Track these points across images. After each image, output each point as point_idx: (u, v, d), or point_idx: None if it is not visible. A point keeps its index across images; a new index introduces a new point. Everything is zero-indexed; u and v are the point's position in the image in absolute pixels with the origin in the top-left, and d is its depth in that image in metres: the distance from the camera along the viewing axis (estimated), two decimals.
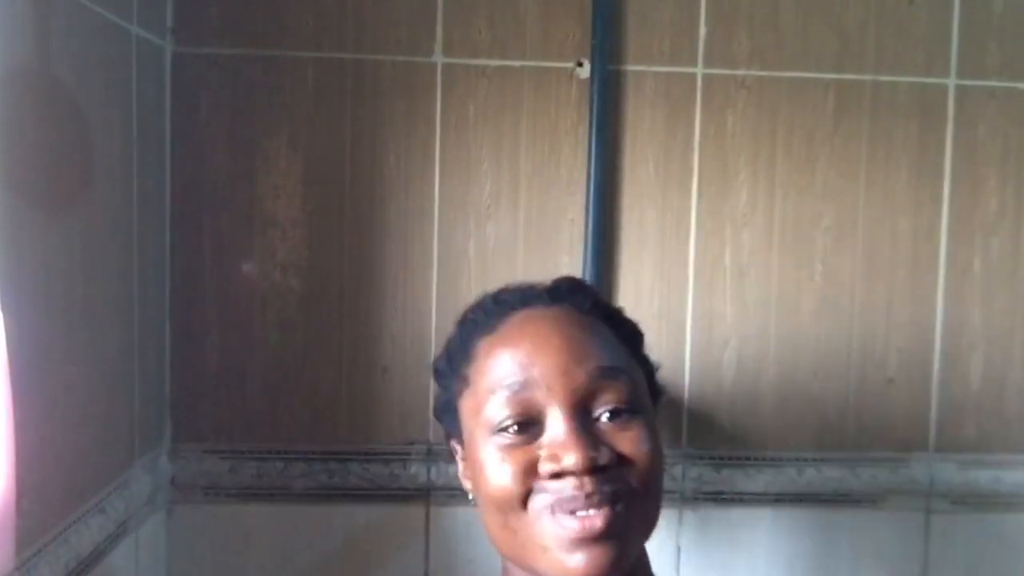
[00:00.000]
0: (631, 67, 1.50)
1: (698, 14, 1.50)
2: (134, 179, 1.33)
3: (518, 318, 0.68)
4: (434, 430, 1.49)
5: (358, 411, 1.49)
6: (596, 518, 0.60)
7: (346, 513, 1.49)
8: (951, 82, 1.53)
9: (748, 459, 1.53)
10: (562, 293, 0.71)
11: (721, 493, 1.54)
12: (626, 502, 0.61)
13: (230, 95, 1.45)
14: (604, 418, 0.63)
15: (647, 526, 0.65)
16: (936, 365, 1.55)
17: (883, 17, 1.52)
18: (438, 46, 1.47)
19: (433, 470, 1.50)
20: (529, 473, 0.62)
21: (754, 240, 1.52)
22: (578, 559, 0.60)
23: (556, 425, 0.62)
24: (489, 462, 0.64)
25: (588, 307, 0.70)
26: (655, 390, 0.72)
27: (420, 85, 1.47)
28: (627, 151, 1.51)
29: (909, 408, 1.55)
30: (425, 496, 1.51)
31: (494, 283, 0.73)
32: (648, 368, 0.73)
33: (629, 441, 0.63)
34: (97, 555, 1.22)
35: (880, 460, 1.56)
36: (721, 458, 1.53)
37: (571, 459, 0.60)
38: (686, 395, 1.52)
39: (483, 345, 0.68)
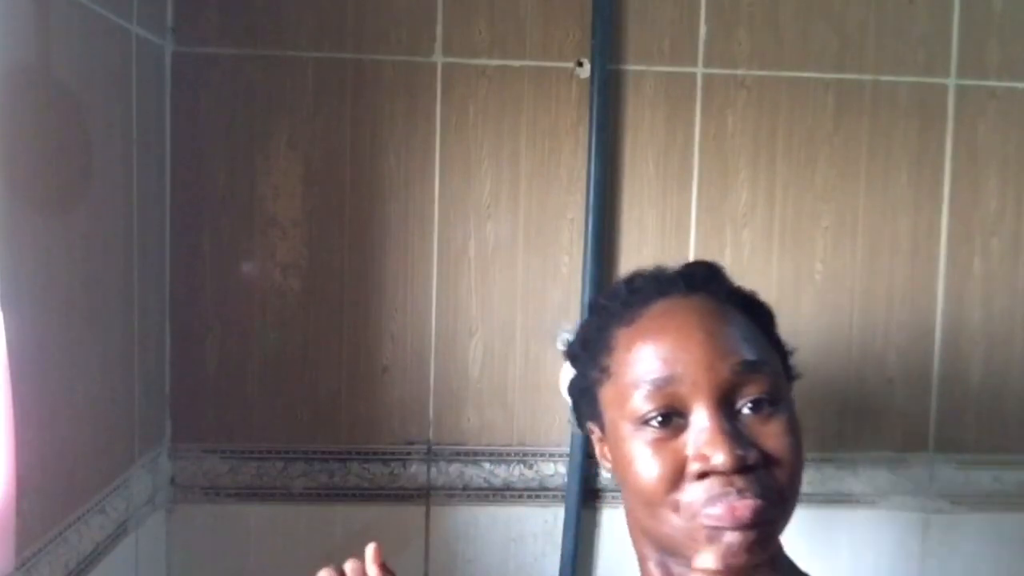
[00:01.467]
0: (631, 67, 1.50)
1: (698, 14, 1.50)
2: (134, 179, 1.33)
3: (657, 309, 0.69)
4: (434, 430, 1.50)
5: (358, 411, 1.49)
6: (744, 508, 0.61)
7: (346, 513, 1.49)
8: (951, 82, 1.53)
9: None
10: (698, 281, 0.71)
11: None
12: (772, 499, 0.63)
13: (230, 95, 1.45)
14: (746, 410, 0.64)
15: (787, 519, 0.66)
16: (936, 365, 1.55)
17: (883, 17, 1.52)
18: (438, 46, 1.47)
19: (433, 470, 1.50)
20: (677, 472, 0.63)
21: (754, 240, 1.52)
22: (725, 546, 0.61)
23: (702, 421, 0.63)
24: (638, 457, 0.65)
25: (724, 295, 0.70)
26: (790, 373, 0.73)
27: (420, 85, 1.47)
28: (627, 151, 1.51)
29: (909, 408, 1.55)
30: (425, 496, 1.51)
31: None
32: (783, 351, 0.74)
33: (773, 436, 0.64)
34: (97, 555, 1.22)
35: (880, 460, 1.56)
36: None
37: (719, 458, 0.61)
38: None
39: (622, 337, 0.69)
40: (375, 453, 1.49)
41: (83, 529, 1.18)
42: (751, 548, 0.62)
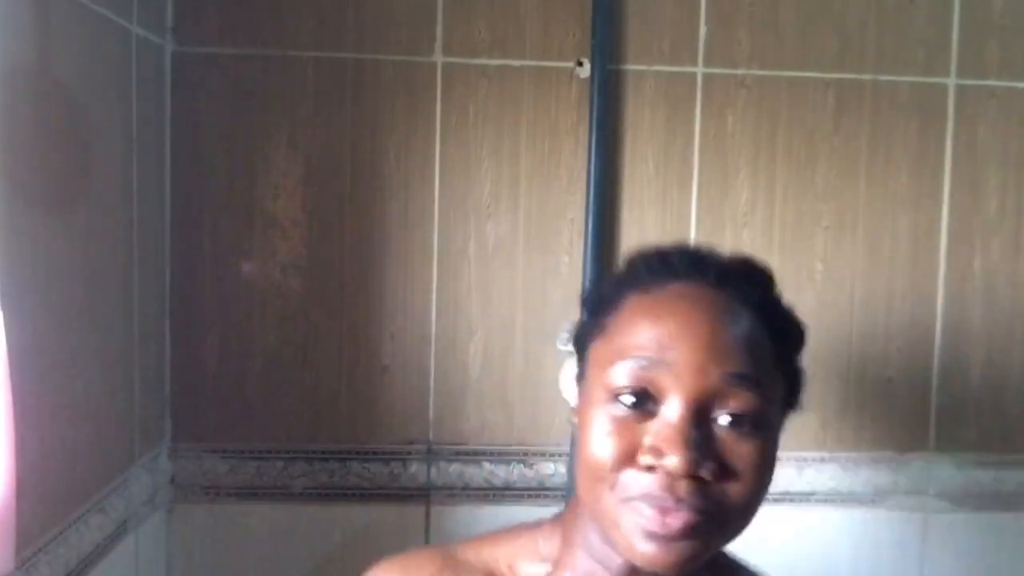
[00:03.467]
0: (631, 67, 1.50)
1: (698, 14, 1.50)
2: (134, 179, 1.33)
3: (676, 289, 0.65)
4: (434, 429, 1.50)
5: (358, 410, 1.48)
6: (676, 520, 0.58)
7: (346, 513, 1.49)
8: (951, 82, 1.53)
9: None
10: (732, 278, 0.66)
11: None
12: (715, 517, 0.60)
13: (230, 95, 1.45)
14: (723, 422, 0.61)
15: (727, 540, 0.63)
16: (936, 365, 1.55)
17: (883, 17, 1.52)
18: (438, 46, 1.47)
19: (433, 470, 1.51)
20: (628, 457, 0.60)
21: (754, 240, 1.52)
22: (647, 549, 0.59)
23: (670, 416, 0.60)
24: (595, 428, 0.62)
25: (755, 300, 0.66)
26: (793, 402, 0.68)
27: (420, 85, 1.47)
28: (627, 151, 1.51)
29: (909, 408, 1.55)
30: (425, 496, 1.51)
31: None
32: (796, 380, 0.68)
33: (741, 458, 0.60)
34: (97, 555, 1.22)
35: (880, 460, 1.56)
36: None
37: (672, 460, 0.58)
38: None
39: (630, 301, 0.65)
40: (375, 453, 1.49)
41: (83, 529, 1.18)
42: (670, 562, 0.59)
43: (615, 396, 0.62)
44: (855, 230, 1.54)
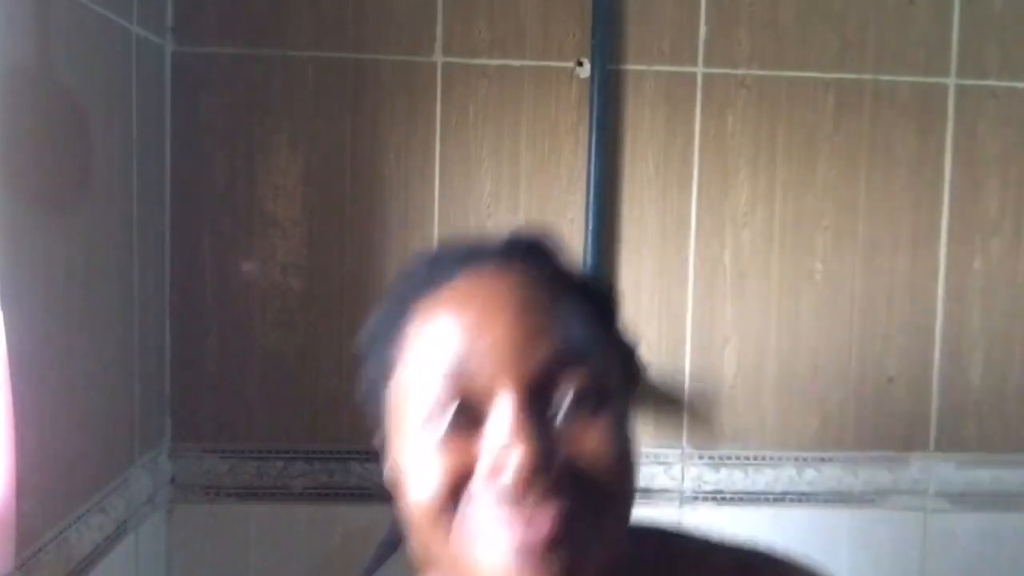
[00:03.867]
0: (631, 67, 1.50)
1: (698, 14, 1.50)
2: (134, 179, 1.33)
3: (462, 282, 0.54)
4: None
5: (358, 410, 1.47)
6: (543, 518, 0.48)
7: (346, 513, 1.48)
8: (951, 82, 1.53)
9: (748, 459, 1.53)
10: (518, 254, 0.56)
11: (721, 493, 1.54)
12: (588, 505, 0.49)
13: (230, 94, 1.45)
14: (564, 409, 0.50)
15: (613, 534, 0.52)
16: (936, 365, 1.55)
17: (883, 17, 1.52)
18: (438, 46, 1.47)
19: None
20: (460, 481, 0.50)
21: (754, 240, 1.52)
22: (522, 570, 0.48)
23: (502, 416, 0.49)
24: (413, 466, 0.51)
25: (550, 273, 0.56)
26: (632, 374, 0.59)
27: (420, 85, 1.47)
28: (627, 151, 1.50)
29: (909, 408, 1.55)
30: None
31: None
32: (624, 349, 0.59)
33: (593, 440, 0.50)
34: (97, 555, 1.22)
35: (880, 460, 1.56)
36: (721, 458, 1.53)
37: (517, 452, 0.47)
38: (686, 395, 1.52)
39: (414, 314, 0.54)
40: (375, 453, 1.48)
41: (83, 529, 1.18)
42: (558, 571, 0.48)
43: (427, 422, 0.51)
44: (855, 230, 1.54)
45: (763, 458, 1.53)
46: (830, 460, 1.55)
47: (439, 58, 1.47)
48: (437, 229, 1.48)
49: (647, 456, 1.50)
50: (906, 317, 1.54)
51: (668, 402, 1.52)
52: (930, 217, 1.54)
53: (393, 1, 1.46)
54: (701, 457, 1.53)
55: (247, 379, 1.47)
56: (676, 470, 1.53)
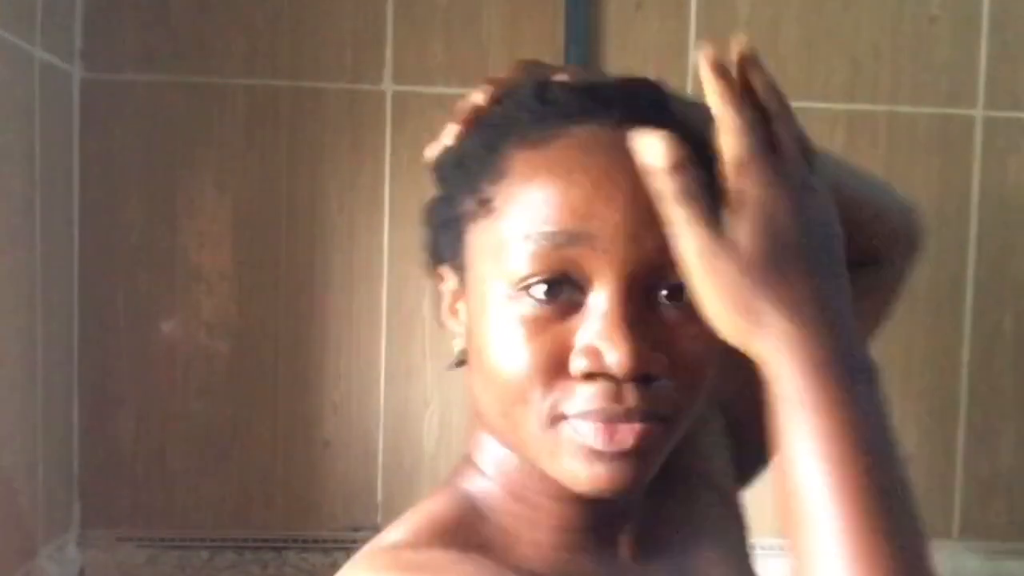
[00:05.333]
0: None
1: (687, 35, 1.39)
2: (36, 224, 1.27)
3: (576, 138, 0.52)
4: (383, 514, 1.39)
5: (296, 492, 1.39)
6: (626, 434, 0.50)
7: None
8: (978, 113, 1.43)
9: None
10: (642, 108, 0.53)
11: None
12: (667, 422, 0.52)
13: (148, 127, 1.37)
14: (663, 298, 0.51)
15: (675, 442, 0.54)
16: (960, 440, 1.42)
17: (900, 39, 1.42)
18: (387, 72, 1.38)
19: None
20: (555, 368, 0.50)
21: None
22: (594, 472, 0.50)
23: (602, 304, 0.50)
24: (503, 335, 0.51)
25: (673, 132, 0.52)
26: None
27: (367, 116, 1.38)
28: None
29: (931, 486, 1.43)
30: None
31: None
32: None
33: (689, 339, 0.51)
34: None
35: None
36: None
37: (614, 356, 0.48)
38: None
39: (520, 162, 0.53)
40: (315, 541, 1.39)
41: None
42: (623, 484, 0.51)
43: (523, 289, 0.51)
44: None
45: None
46: None
47: (388, 86, 1.38)
48: (386, 284, 1.38)
49: None
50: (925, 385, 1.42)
51: None
52: (955, 269, 1.42)
53: (336, 21, 1.37)
54: None
55: (167, 456, 1.38)
56: None
